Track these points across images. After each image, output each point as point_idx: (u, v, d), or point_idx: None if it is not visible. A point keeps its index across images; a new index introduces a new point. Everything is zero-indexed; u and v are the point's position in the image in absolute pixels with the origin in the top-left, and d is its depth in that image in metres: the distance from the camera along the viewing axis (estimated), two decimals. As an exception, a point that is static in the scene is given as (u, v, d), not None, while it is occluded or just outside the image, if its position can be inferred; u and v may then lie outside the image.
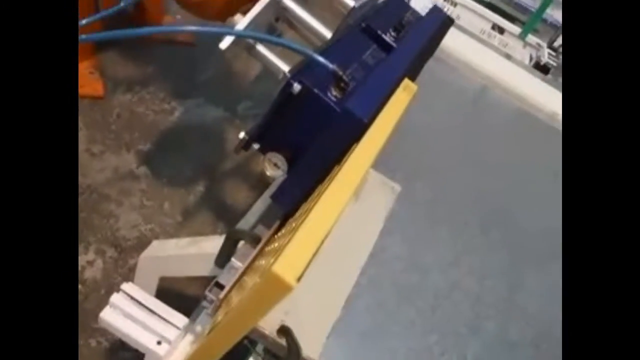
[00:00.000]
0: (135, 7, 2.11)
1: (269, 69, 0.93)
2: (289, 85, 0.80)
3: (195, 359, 0.86)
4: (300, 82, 0.80)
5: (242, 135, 0.88)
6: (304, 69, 0.83)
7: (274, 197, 0.91)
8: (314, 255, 0.61)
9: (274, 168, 0.89)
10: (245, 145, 0.89)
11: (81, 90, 1.92)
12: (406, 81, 0.93)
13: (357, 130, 0.80)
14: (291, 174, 0.88)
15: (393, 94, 0.90)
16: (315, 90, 0.81)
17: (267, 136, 0.88)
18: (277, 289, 0.57)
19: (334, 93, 0.83)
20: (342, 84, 0.83)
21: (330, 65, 0.82)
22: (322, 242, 0.61)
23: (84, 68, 1.98)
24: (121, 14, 0.98)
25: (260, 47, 0.91)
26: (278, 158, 0.88)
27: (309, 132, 0.84)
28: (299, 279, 0.56)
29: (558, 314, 1.24)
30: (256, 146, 0.89)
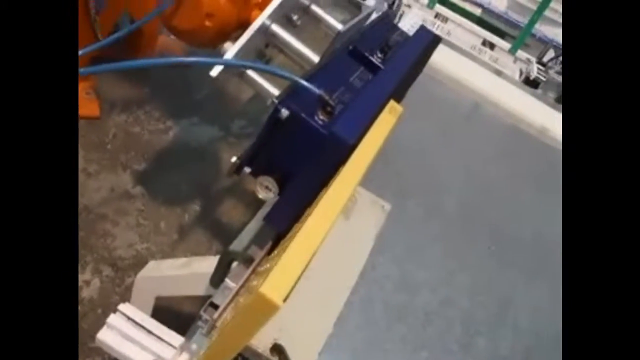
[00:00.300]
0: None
1: (260, 93, 0.96)
2: (276, 111, 0.83)
3: (191, 378, 0.88)
4: (287, 108, 0.83)
5: (233, 159, 0.90)
6: (292, 94, 0.86)
7: (266, 218, 0.93)
8: (301, 275, 0.63)
9: (266, 191, 0.91)
10: (237, 169, 0.91)
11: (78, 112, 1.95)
12: (392, 103, 0.96)
13: (343, 152, 0.83)
14: (282, 196, 0.91)
15: (379, 115, 0.93)
16: (302, 115, 0.84)
17: (257, 160, 0.90)
18: (265, 309, 0.59)
19: (321, 117, 0.86)
20: (329, 108, 0.85)
21: (317, 90, 0.85)
22: (308, 263, 0.64)
23: (81, 89, 2.00)
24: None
25: (251, 73, 0.94)
26: (269, 181, 0.90)
27: (299, 156, 0.87)
28: (285, 299, 0.59)
29: (546, 327, 1.26)
30: (248, 170, 0.91)
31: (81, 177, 1.78)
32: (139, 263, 1.55)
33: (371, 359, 1.01)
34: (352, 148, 0.83)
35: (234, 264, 1.02)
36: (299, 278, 0.62)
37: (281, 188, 0.91)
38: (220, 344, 0.76)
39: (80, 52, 0.84)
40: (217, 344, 0.79)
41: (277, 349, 0.91)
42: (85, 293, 1.52)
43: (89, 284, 1.54)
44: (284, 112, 0.82)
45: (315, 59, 1.00)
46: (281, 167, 0.90)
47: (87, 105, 1.98)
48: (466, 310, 1.17)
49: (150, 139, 1.99)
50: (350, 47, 1.09)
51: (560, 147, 1.42)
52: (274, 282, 0.59)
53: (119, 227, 1.70)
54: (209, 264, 1.06)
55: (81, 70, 0.68)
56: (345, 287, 1.02)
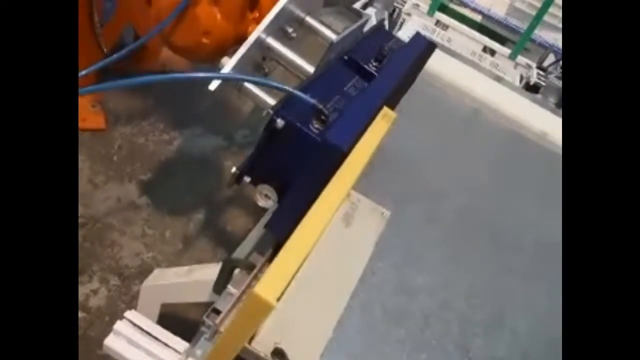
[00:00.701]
0: (135, 40, 2.18)
1: (258, 104, 0.99)
2: (272, 121, 0.85)
3: (195, 381, 0.91)
4: (282, 118, 0.85)
5: (233, 169, 0.93)
6: (287, 104, 0.89)
7: (267, 226, 0.96)
8: (294, 276, 0.66)
9: (265, 199, 0.94)
10: (237, 179, 0.94)
11: (84, 124, 1.98)
12: (385, 109, 0.98)
13: (338, 159, 0.85)
14: (281, 204, 0.93)
15: (373, 121, 0.96)
16: (297, 124, 0.87)
17: (256, 169, 0.93)
18: (259, 309, 0.62)
19: (316, 126, 0.88)
20: (323, 117, 0.88)
21: (311, 100, 0.87)
22: (301, 264, 0.66)
23: (87, 102, 2.04)
24: (121, 47, 1.05)
25: (248, 86, 0.97)
26: (268, 189, 0.93)
27: (295, 163, 0.90)
28: (278, 299, 0.61)
29: (544, 331, 1.28)
30: (247, 179, 0.94)
31: (88, 188, 1.82)
32: (145, 272, 1.59)
33: (370, 362, 1.04)
34: (346, 154, 0.86)
35: (236, 271, 1.05)
36: (292, 279, 0.64)
37: (280, 196, 0.93)
38: (221, 345, 0.79)
39: (85, 72, 0.87)
40: (218, 345, 0.81)
41: (278, 353, 0.93)
42: (92, 302, 1.55)
43: (97, 292, 1.58)
44: (280, 122, 0.85)
45: (311, 69, 1.03)
46: (279, 176, 0.92)
47: (93, 118, 2.02)
48: (464, 313, 1.18)
49: (155, 150, 2.03)
50: (346, 57, 1.11)
51: (560, 151, 1.43)
52: (268, 283, 0.62)
53: (125, 236, 1.73)
54: (212, 271, 1.09)
55: (81, 90, 0.70)
56: (345, 292, 1.04)
